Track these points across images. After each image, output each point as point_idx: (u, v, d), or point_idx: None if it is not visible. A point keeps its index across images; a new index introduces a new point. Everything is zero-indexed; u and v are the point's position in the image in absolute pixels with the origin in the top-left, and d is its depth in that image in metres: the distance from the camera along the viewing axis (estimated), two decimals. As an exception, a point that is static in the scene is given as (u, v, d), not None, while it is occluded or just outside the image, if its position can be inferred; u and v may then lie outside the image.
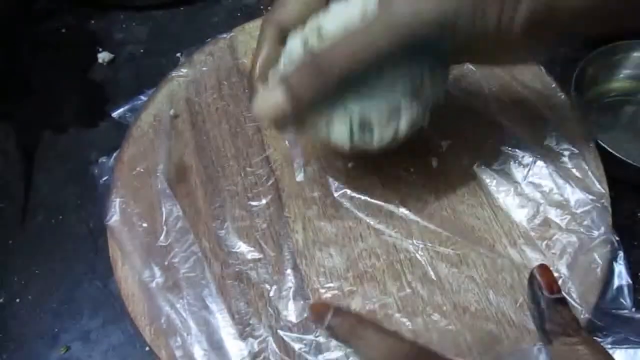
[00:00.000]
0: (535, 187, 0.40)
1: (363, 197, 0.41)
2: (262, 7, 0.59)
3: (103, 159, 0.46)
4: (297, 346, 0.36)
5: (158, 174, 0.42)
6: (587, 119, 0.46)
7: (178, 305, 0.37)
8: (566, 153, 0.42)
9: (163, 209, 0.40)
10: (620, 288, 0.36)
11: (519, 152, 0.42)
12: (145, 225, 0.40)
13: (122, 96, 0.52)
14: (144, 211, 0.41)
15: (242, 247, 0.39)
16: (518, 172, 0.41)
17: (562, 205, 0.39)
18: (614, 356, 0.31)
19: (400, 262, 0.38)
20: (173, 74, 0.48)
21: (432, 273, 0.38)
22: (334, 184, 0.41)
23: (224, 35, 0.50)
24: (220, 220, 0.41)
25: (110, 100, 0.53)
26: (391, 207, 0.40)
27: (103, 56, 0.55)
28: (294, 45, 0.34)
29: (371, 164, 0.42)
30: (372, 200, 0.40)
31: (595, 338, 0.32)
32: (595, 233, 0.38)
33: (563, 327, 0.31)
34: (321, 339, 0.36)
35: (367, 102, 0.33)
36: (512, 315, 0.36)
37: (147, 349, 0.40)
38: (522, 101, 0.45)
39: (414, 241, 0.39)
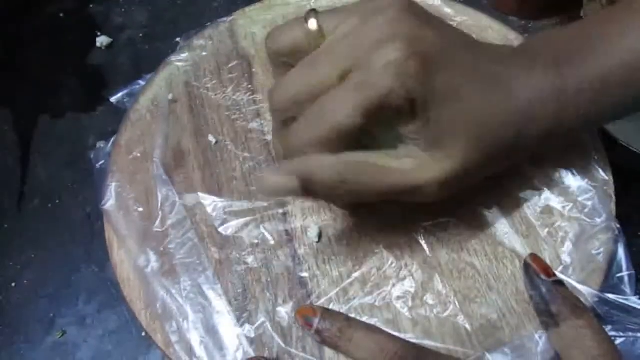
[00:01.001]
0: (537, 173, 0.40)
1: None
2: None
3: (100, 144, 0.45)
4: (295, 332, 0.35)
5: (155, 159, 0.41)
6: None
7: (174, 291, 0.37)
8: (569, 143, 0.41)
9: (159, 194, 0.40)
10: (621, 277, 0.35)
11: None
12: (141, 209, 0.40)
13: (121, 81, 0.52)
14: (140, 196, 0.40)
15: (239, 231, 0.39)
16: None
17: (565, 193, 0.39)
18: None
19: (400, 248, 0.38)
20: (172, 58, 0.47)
21: (432, 260, 0.37)
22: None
23: (224, 19, 0.49)
24: (218, 205, 0.40)
25: (108, 84, 0.53)
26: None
27: (102, 40, 0.55)
28: None
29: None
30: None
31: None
32: (597, 220, 0.37)
33: (571, 307, 0.31)
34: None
35: None
36: (513, 303, 0.36)
37: (143, 334, 0.40)
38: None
39: (415, 226, 0.38)
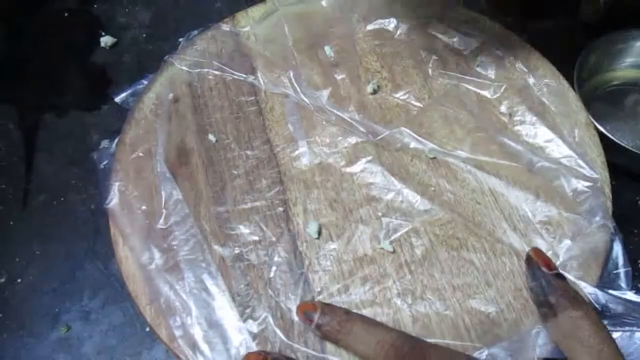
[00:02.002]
0: (535, 174, 0.40)
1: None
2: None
3: (104, 143, 0.46)
4: (297, 327, 0.36)
5: (157, 157, 0.42)
6: (590, 107, 0.46)
7: (177, 287, 0.37)
8: (569, 140, 0.42)
9: (162, 192, 0.41)
10: (618, 273, 0.36)
11: (520, 138, 0.42)
12: (144, 207, 0.40)
13: (124, 80, 0.52)
14: (143, 194, 0.41)
15: (242, 229, 0.39)
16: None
17: (562, 191, 0.39)
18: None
19: (400, 245, 0.38)
20: (174, 58, 0.48)
21: (431, 256, 0.38)
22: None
23: (226, 20, 0.50)
24: (221, 203, 0.41)
25: (112, 83, 0.53)
26: (392, 192, 0.40)
27: (106, 40, 0.55)
28: None
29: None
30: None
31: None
32: (594, 219, 0.38)
33: (570, 299, 0.32)
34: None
35: None
36: (511, 299, 0.36)
37: (147, 329, 0.40)
38: (524, 89, 0.45)
39: (414, 224, 0.39)
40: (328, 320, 0.34)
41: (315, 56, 0.47)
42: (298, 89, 0.45)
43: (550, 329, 0.33)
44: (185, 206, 0.40)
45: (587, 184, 0.39)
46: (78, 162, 0.49)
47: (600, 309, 0.34)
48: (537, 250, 0.36)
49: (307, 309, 0.35)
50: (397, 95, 0.45)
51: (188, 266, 0.38)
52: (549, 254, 0.36)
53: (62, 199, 0.47)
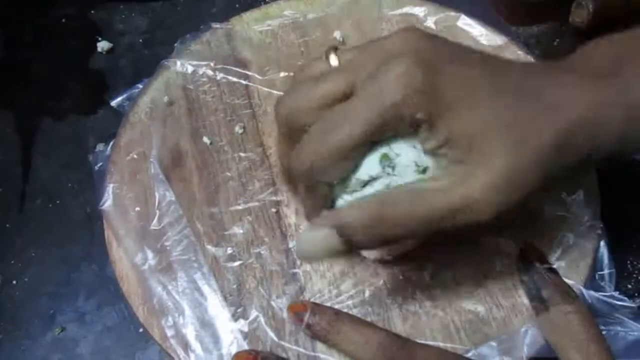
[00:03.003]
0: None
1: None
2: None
3: (100, 146, 0.46)
4: (288, 326, 0.36)
5: (152, 160, 0.42)
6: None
7: (170, 287, 0.38)
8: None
9: (156, 194, 0.41)
10: (602, 274, 0.36)
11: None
12: (138, 209, 0.41)
13: (121, 85, 0.53)
14: (138, 196, 0.42)
15: (235, 230, 0.40)
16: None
17: (551, 192, 0.40)
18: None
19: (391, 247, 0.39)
20: (169, 62, 0.48)
21: (421, 257, 0.38)
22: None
23: (221, 25, 0.50)
24: (214, 205, 0.41)
25: (109, 88, 0.54)
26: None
27: (102, 45, 0.56)
28: (370, 170, 0.31)
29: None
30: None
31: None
32: (583, 220, 0.38)
33: (562, 294, 0.33)
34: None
35: None
36: (501, 298, 0.37)
37: (140, 330, 0.41)
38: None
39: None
40: (317, 320, 0.34)
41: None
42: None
43: (542, 323, 0.34)
44: (179, 207, 0.41)
45: (578, 185, 0.40)
46: (74, 166, 0.49)
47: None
48: (530, 244, 0.37)
49: (297, 309, 0.35)
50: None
51: (181, 266, 0.39)
52: (537, 254, 0.37)
53: (58, 202, 0.48)
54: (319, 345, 0.35)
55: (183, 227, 0.40)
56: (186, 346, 0.36)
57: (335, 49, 0.32)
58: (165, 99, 0.46)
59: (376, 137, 0.29)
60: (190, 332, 0.36)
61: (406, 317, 0.36)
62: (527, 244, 0.37)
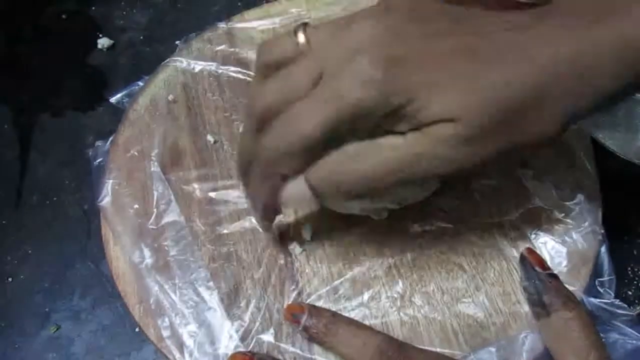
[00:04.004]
0: (525, 177, 0.40)
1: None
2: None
3: (99, 143, 0.46)
4: (284, 328, 0.36)
5: (152, 157, 0.42)
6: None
7: (167, 287, 0.37)
8: (558, 147, 0.42)
9: (155, 192, 0.41)
10: (602, 281, 0.36)
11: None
12: (136, 206, 0.41)
13: (121, 82, 0.52)
14: (136, 193, 0.41)
15: (233, 229, 0.40)
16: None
17: (552, 197, 0.39)
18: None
19: (390, 249, 0.38)
20: (171, 60, 0.48)
21: (420, 260, 0.38)
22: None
23: (223, 23, 0.50)
24: (213, 203, 0.41)
25: (108, 85, 0.53)
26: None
27: (102, 42, 0.55)
28: None
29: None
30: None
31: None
32: (583, 225, 0.38)
33: (563, 299, 0.33)
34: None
35: None
36: (500, 303, 0.36)
37: (136, 329, 0.40)
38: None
39: (404, 228, 0.39)
40: (314, 322, 0.34)
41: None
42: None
43: (542, 329, 0.34)
44: (177, 206, 0.40)
45: (579, 189, 0.40)
46: (72, 163, 0.49)
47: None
48: (531, 250, 0.36)
49: (294, 311, 0.35)
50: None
51: (178, 266, 0.38)
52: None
53: (55, 199, 0.47)
54: (316, 347, 0.35)
55: (181, 227, 0.39)
56: (182, 347, 0.35)
57: (305, 25, 0.31)
58: (166, 96, 0.46)
59: (335, 134, 0.29)
60: (186, 333, 0.36)
61: (404, 322, 0.36)
62: (527, 249, 0.36)
